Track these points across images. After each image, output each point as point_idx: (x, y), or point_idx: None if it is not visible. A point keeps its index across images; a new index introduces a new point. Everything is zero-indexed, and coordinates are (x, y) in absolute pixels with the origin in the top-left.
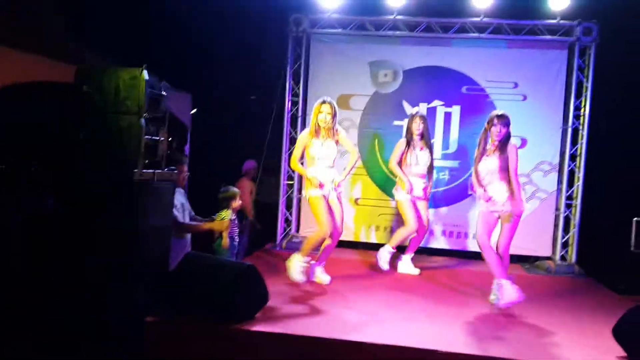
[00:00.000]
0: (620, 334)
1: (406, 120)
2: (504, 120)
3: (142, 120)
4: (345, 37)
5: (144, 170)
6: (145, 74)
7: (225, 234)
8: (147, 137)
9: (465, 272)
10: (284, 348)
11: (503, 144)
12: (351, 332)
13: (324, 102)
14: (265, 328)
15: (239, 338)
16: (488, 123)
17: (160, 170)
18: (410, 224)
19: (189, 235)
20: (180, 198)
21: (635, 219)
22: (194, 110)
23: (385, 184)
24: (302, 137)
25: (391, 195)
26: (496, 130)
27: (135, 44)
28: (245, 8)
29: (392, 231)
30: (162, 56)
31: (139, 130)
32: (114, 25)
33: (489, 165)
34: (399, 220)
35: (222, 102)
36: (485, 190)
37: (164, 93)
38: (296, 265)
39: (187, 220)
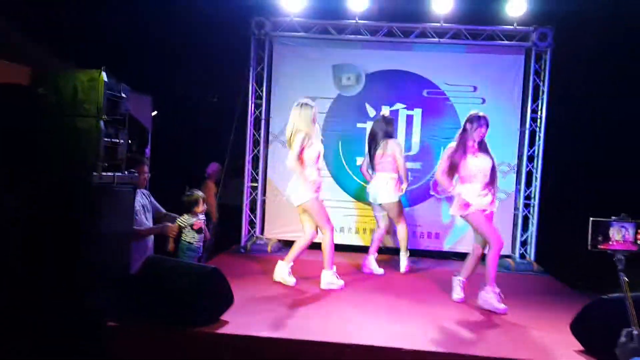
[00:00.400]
0: (577, 329)
1: (369, 123)
2: (486, 120)
3: (101, 123)
4: (308, 40)
5: (104, 174)
6: (104, 76)
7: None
8: (106, 139)
9: (441, 272)
10: (248, 350)
11: (482, 144)
12: (315, 332)
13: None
14: (229, 330)
15: (203, 341)
16: (470, 122)
17: (120, 174)
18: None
19: (150, 238)
20: (140, 200)
21: (591, 218)
22: (155, 112)
23: (349, 185)
24: (302, 138)
25: (356, 197)
26: (481, 130)
27: (93, 45)
28: (207, 10)
29: (356, 232)
30: (122, 58)
31: (97, 133)
32: (71, 26)
33: (481, 163)
34: (363, 221)
35: (184, 104)
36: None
37: (123, 95)
38: (284, 268)
39: (149, 221)
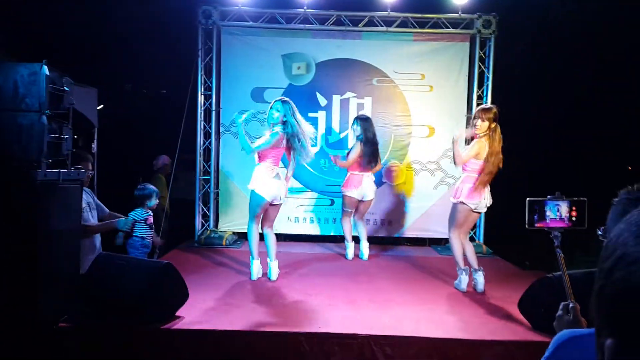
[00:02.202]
0: (524, 307)
1: (321, 112)
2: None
3: (44, 118)
4: (257, 30)
5: (48, 171)
6: (45, 69)
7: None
8: (49, 135)
9: (395, 257)
10: (206, 344)
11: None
12: (271, 323)
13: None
14: (185, 326)
15: (158, 338)
16: (474, 118)
17: (65, 170)
18: None
19: (97, 237)
20: (84, 197)
21: (528, 198)
22: (101, 106)
23: (303, 175)
24: None
25: (310, 187)
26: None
27: (34, 38)
28: None
29: (311, 222)
30: (65, 50)
31: (40, 128)
32: (10, 18)
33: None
34: (317, 211)
35: (132, 96)
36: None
37: (66, 88)
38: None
39: (95, 219)
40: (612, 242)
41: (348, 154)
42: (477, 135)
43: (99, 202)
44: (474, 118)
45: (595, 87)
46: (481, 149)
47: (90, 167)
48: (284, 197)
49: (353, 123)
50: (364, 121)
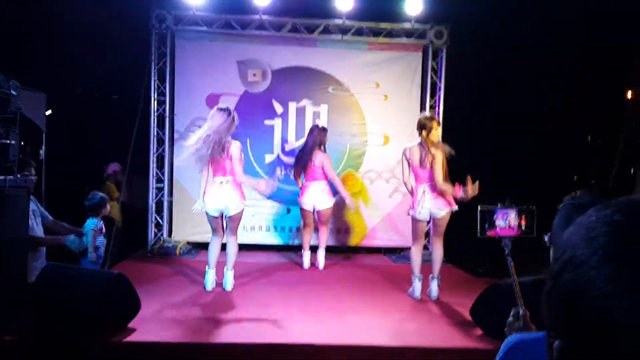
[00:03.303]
0: (476, 313)
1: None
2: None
3: None
4: (211, 35)
5: None
6: None
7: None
8: None
9: (353, 265)
10: (158, 357)
11: None
12: (224, 334)
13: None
14: (136, 338)
15: (110, 350)
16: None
17: (12, 177)
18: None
19: (43, 247)
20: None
21: (479, 206)
22: (49, 111)
23: None
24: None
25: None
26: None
27: None
28: (105, 1)
29: (267, 230)
30: (12, 52)
31: None
32: None
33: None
34: (272, 220)
35: (82, 101)
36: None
37: (13, 92)
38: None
39: (39, 226)
40: (562, 245)
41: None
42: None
43: (42, 209)
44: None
45: (542, 97)
46: (407, 156)
47: (34, 173)
48: (233, 207)
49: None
50: (321, 130)
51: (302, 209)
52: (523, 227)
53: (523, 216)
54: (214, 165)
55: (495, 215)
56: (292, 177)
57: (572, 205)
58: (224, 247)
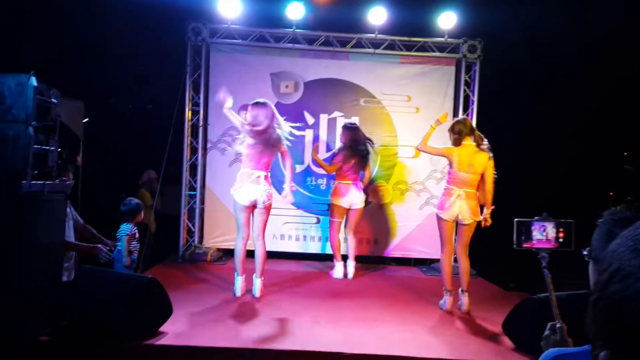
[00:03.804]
0: (508, 327)
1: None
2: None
3: (30, 129)
4: (246, 47)
5: (33, 182)
6: (33, 80)
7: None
8: (36, 146)
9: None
10: None
11: None
12: (256, 340)
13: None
14: (168, 342)
15: (141, 354)
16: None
17: (50, 182)
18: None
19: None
20: None
21: (515, 219)
22: (86, 119)
23: None
24: None
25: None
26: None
27: (23, 48)
28: (142, 15)
29: (296, 239)
30: (53, 62)
31: (27, 139)
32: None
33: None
34: (303, 229)
35: (119, 111)
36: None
37: (54, 100)
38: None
39: (71, 230)
40: (609, 256)
41: (332, 159)
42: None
43: (75, 212)
44: (471, 134)
45: (574, 113)
46: (451, 155)
47: (72, 177)
48: (266, 198)
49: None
50: (350, 129)
51: (339, 207)
52: (560, 240)
53: (561, 229)
54: (256, 158)
55: (532, 227)
56: (323, 185)
57: (613, 220)
58: (250, 253)
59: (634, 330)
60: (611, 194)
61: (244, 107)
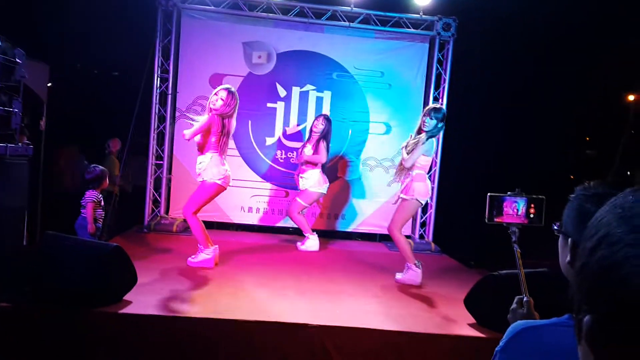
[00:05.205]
0: (470, 303)
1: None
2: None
3: None
4: (218, 15)
5: None
6: None
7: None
8: None
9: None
10: (152, 330)
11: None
12: (219, 311)
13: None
14: (132, 310)
15: (105, 321)
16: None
17: (13, 145)
18: None
19: None
20: None
21: (489, 193)
22: (50, 83)
23: (259, 166)
24: None
25: (264, 177)
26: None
27: None
28: None
29: (265, 212)
30: (19, 22)
31: None
32: None
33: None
34: (271, 202)
35: (85, 75)
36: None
37: (18, 60)
38: None
39: None
40: (595, 223)
41: (314, 153)
42: (425, 132)
43: None
44: (424, 115)
45: (548, 94)
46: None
47: (25, 140)
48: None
49: (317, 119)
50: (329, 122)
51: (320, 195)
52: (532, 216)
53: (532, 205)
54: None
55: (504, 203)
56: (294, 159)
57: (585, 195)
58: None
59: (620, 295)
60: (572, 177)
61: (215, 77)
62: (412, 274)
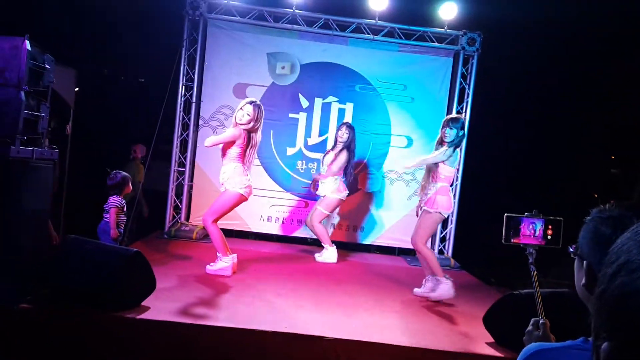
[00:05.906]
0: (489, 321)
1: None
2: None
3: (22, 94)
4: (243, 25)
5: (22, 148)
6: (27, 44)
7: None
8: (26, 111)
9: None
10: (169, 336)
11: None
12: (238, 320)
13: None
14: (150, 316)
15: (122, 326)
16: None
17: (40, 149)
18: None
19: None
20: None
21: (506, 214)
22: (77, 88)
23: (279, 176)
24: None
25: (284, 187)
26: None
27: (19, 12)
28: None
29: (284, 222)
30: (48, 27)
31: (18, 104)
32: None
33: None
34: (290, 212)
35: (111, 81)
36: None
37: (47, 66)
38: None
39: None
40: (616, 250)
41: (333, 161)
42: (446, 143)
43: None
44: (443, 127)
45: (573, 112)
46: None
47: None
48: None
49: (341, 128)
50: (352, 130)
51: (341, 202)
52: (549, 237)
53: (550, 226)
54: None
55: (521, 224)
56: (314, 170)
57: (600, 218)
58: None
59: (638, 323)
60: (595, 195)
61: (239, 86)
62: (444, 287)
